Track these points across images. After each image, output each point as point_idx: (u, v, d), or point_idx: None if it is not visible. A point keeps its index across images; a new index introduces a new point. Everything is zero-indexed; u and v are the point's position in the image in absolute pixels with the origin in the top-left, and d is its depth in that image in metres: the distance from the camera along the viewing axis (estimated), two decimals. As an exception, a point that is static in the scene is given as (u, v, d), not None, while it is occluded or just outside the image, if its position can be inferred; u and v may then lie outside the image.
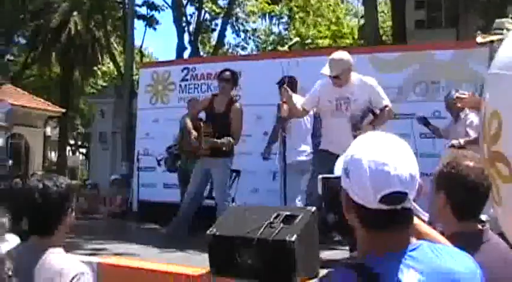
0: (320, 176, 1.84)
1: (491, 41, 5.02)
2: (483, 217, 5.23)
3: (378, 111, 5.85)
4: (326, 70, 5.78)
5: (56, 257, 2.51)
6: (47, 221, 2.55)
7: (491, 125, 3.37)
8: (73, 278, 2.43)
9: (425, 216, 1.60)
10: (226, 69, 7.17)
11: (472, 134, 6.32)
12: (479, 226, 2.35)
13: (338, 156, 5.86)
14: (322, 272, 4.03)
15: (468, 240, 2.06)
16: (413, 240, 1.56)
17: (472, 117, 6.65)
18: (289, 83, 7.16)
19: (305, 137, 7.08)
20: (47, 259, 2.48)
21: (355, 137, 5.97)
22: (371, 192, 1.47)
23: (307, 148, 7.04)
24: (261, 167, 8.18)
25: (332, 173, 1.74)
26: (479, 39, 5.23)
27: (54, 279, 2.43)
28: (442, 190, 2.31)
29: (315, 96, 6.01)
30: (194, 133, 6.76)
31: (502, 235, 3.76)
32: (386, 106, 5.83)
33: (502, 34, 4.90)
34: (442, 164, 2.38)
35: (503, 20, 5.22)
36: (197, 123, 6.95)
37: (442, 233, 1.95)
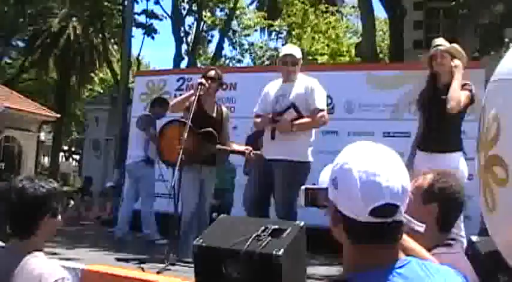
0: (303, 187, 1.78)
1: (433, 56, 5.19)
2: (473, 238, 5.23)
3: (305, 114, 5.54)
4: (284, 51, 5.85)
5: (36, 261, 2.44)
6: (23, 223, 2.49)
7: (490, 129, 3.46)
8: None
9: (421, 227, 1.54)
10: (211, 68, 6.76)
11: None
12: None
13: (268, 160, 5.54)
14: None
15: None
16: (402, 255, 1.51)
17: None
18: None
19: None
20: (27, 263, 2.42)
21: (272, 129, 5.75)
22: (361, 204, 1.41)
23: None
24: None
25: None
26: (421, 56, 5.43)
27: None
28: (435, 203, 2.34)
29: (261, 100, 5.82)
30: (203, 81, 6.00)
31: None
32: (318, 110, 5.48)
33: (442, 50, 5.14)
34: (430, 178, 2.39)
35: (441, 39, 5.40)
36: (194, 129, 5.93)
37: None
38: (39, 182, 2.52)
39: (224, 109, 6.48)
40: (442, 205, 2.33)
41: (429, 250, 1.95)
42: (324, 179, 1.62)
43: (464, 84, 5.07)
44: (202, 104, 6.14)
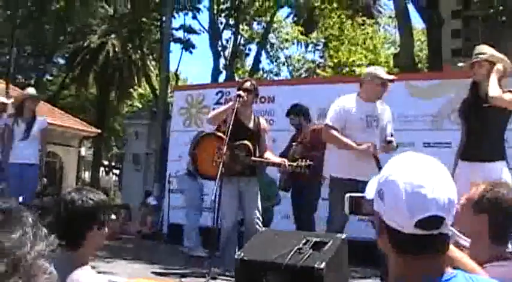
0: (347, 195, 1.77)
1: (472, 65, 5.05)
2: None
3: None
4: (384, 74, 5.75)
5: (84, 274, 2.45)
6: (71, 235, 2.50)
7: None
8: None
9: (466, 241, 1.52)
10: (246, 80, 6.77)
11: None
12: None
13: (362, 182, 5.56)
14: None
15: None
16: (448, 269, 1.48)
17: None
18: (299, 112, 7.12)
19: None
20: (74, 274, 2.42)
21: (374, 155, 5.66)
22: (406, 216, 1.40)
23: None
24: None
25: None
26: (460, 64, 5.31)
27: None
28: (485, 213, 2.31)
29: (341, 115, 5.68)
30: (241, 93, 6.04)
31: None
32: (392, 135, 5.69)
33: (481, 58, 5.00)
34: (482, 188, 2.35)
35: (483, 46, 5.24)
36: (229, 142, 5.81)
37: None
38: (87, 193, 2.54)
39: (262, 120, 6.43)
40: (491, 215, 2.29)
41: (483, 262, 1.91)
42: (369, 190, 1.60)
43: (509, 91, 4.95)
44: (239, 116, 6.09)
